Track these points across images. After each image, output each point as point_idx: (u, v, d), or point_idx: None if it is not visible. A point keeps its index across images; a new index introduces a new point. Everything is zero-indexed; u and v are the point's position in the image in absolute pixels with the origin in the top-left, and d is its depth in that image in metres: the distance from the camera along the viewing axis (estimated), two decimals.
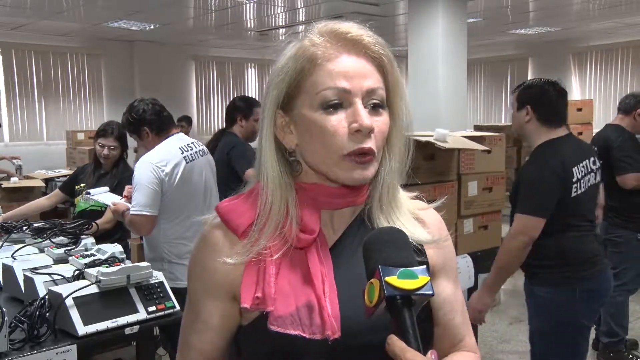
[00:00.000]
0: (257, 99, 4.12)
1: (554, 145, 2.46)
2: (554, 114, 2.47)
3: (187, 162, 2.89)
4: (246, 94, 11.05)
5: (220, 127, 4.11)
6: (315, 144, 0.90)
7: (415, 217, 0.99)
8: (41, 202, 3.81)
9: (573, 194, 2.40)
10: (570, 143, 2.49)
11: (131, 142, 3.38)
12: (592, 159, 2.51)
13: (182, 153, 2.90)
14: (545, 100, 2.46)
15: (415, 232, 0.96)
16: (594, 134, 5.74)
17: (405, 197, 1.01)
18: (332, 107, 0.88)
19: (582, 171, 2.44)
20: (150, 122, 2.94)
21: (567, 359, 2.54)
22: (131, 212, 2.76)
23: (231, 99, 11.16)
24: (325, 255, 0.92)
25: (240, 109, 3.76)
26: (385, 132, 0.91)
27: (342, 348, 0.86)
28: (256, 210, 0.93)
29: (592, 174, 2.50)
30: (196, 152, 2.98)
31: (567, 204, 2.40)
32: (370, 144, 0.88)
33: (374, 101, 0.89)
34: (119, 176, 3.44)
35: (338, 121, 0.88)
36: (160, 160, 2.82)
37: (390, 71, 0.92)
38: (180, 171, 2.85)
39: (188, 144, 2.97)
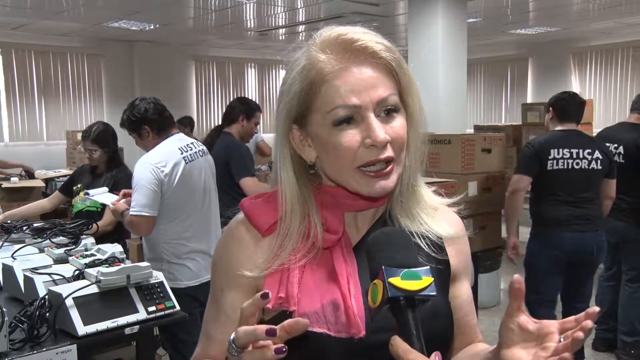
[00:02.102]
0: (256, 101, 4.23)
1: (550, 133, 3.43)
2: (563, 114, 3.43)
3: (186, 163, 2.89)
4: (246, 94, 11.07)
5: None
6: (331, 159, 0.90)
7: (436, 212, 1.00)
8: (42, 204, 3.82)
9: (548, 168, 3.30)
10: (566, 134, 3.37)
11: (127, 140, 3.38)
12: (587, 150, 3.31)
13: (182, 153, 2.90)
14: (559, 104, 3.45)
15: (435, 226, 0.97)
16: (594, 134, 5.76)
17: (426, 192, 1.01)
18: (345, 122, 0.88)
19: (563, 154, 3.30)
20: (152, 122, 2.93)
21: (532, 292, 3.38)
22: (130, 213, 2.76)
23: (231, 98, 11.21)
24: (349, 254, 0.93)
25: (244, 109, 3.87)
26: (404, 136, 0.91)
27: (366, 346, 0.86)
28: (277, 213, 0.95)
29: (580, 160, 3.31)
30: (196, 152, 2.98)
31: (543, 174, 3.32)
32: (387, 153, 0.88)
33: (388, 108, 0.89)
34: (114, 177, 3.44)
35: (352, 137, 0.87)
36: (160, 160, 2.82)
37: (401, 74, 0.91)
38: (180, 171, 2.85)
39: (187, 144, 2.97)
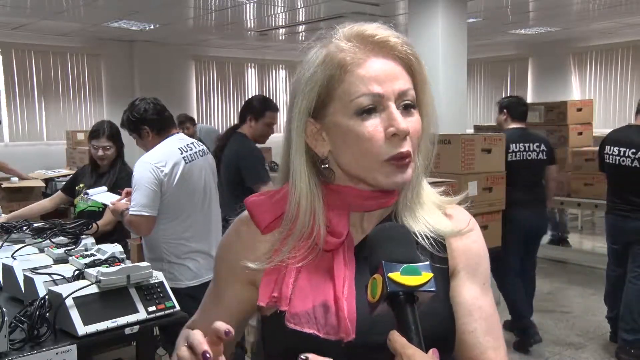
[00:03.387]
0: (275, 100, 3.98)
1: (510, 130, 4.16)
2: (515, 114, 4.26)
3: (186, 163, 2.88)
4: (246, 94, 11.06)
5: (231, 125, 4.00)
6: (352, 150, 0.89)
7: (442, 211, 0.99)
8: (43, 204, 3.81)
9: (509, 159, 3.96)
10: (520, 131, 4.15)
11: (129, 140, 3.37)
12: (536, 143, 4.10)
13: (182, 153, 2.89)
14: (512, 107, 4.28)
15: (436, 224, 0.95)
16: (594, 134, 5.76)
17: (430, 191, 1.00)
18: (366, 112, 0.87)
19: (519, 147, 4.05)
20: (151, 122, 2.93)
21: (505, 264, 4.03)
22: (130, 212, 2.76)
23: (231, 99, 11.20)
24: (350, 257, 0.92)
25: (253, 109, 3.60)
26: (420, 132, 0.91)
27: (358, 348, 0.86)
28: (281, 209, 0.95)
29: (531, 152, 4.07)
30: (195, 152, 2.97)
31: (507, 165, 3.88)
32: (407, 146, 0.88)
33: (406, 102, 0.89)
34: (116, 176, 3.44)
35: (374, 126, 0.87)
36: (160, 160, 2.82)
37: (419, 70, 0.93)
38: (180, 171, 2.84)
39: (187, 144, 2.97)
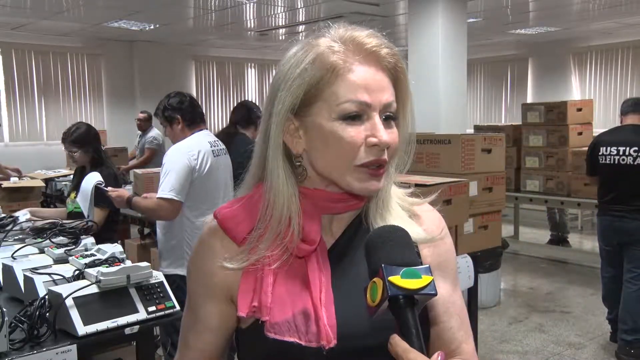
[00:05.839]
0: (256, 101, 4.26)
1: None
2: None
3: (214, 156, 3.04)
4: (246, 94, 11.08)
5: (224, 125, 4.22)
6: (330, 152, 0.89)
7: (410, 214, 0.99)
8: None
9: None
10: None
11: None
12: None
13: (211, 147, 3.06)
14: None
15: (408, 230, 0.95)
16: (594, 134, 5.78)
17: (399, 195, 1.00)
18: (351, 118, 0.88)
19: None
20: (185, 112, 3.09)
21: None
22: (159, 195, 2.86)
23: (231, 98, 11.20)
24: (324, 262, 0.92)
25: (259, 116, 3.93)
26: (397, 143, 0.92)
27: (340, 353, 0.86)
28: (256, 217, 0.93)
29: None
30: (221, 149, 3.15)
31: None
32: (385, 156, 0.89)
33: (388, 114, 0.90)
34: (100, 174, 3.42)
35: (356, 132, 0.88)
36: (192, 149, 2.97)
37: (404, 83, 0.93)
38: (209, 163, 2.99)
39: (215, 140, 3.14)
